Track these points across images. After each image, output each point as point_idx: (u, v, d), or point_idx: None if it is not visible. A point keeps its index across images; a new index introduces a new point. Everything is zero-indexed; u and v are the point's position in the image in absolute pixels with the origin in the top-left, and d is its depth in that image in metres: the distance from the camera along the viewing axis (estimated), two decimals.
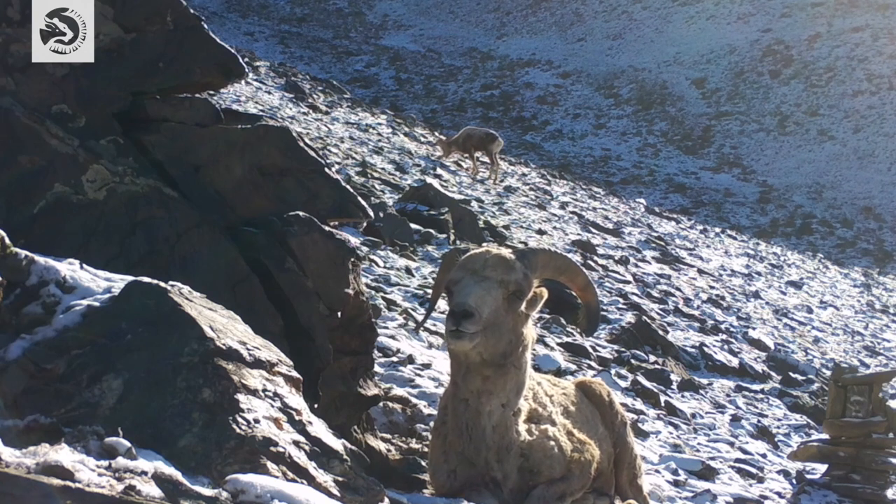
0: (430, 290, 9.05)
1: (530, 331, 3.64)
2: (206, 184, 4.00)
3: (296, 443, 2.71)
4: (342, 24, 60.81)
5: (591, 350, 9.44)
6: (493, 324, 3.35)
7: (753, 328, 14.57)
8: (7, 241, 2.92)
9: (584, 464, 3.77)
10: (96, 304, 2.84)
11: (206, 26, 4.18)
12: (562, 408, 3.97)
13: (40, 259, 2.96)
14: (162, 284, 2.93)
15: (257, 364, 2.86)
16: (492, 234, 13.56)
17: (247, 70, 4.48)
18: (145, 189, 3.77)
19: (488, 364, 3.45)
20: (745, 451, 7.90)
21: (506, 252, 3.58)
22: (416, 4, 63.45)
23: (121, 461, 2.25)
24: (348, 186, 4.49)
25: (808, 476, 7.32)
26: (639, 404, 8.23)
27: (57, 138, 3.65)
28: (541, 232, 15.86)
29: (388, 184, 14.64)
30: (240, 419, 2.61)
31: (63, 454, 2.17)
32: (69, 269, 3.01)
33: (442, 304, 4.33)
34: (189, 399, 2.61)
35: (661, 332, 11.25)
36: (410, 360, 6.23)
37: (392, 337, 6.64)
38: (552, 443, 3.67)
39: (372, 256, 9.52)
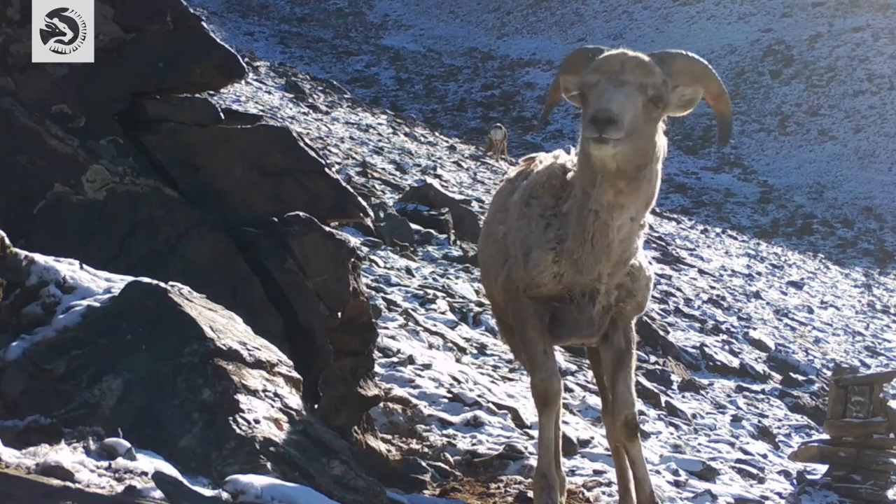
0: (431, 291, 9.07)
1: (663, 140, 3.52)
2: (206, 184, 4.00)
3: (296, 443, 2.71)
4: (342, 24, 60.79)
5: None
6: (632, 132, 3.23)
7: (754, 328, 14.55)
8: (7, 241, 2.91)
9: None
10: (96, 304, 2.84)
11: (206, 26, 4.18)
12: None
13: (40, 259, 2.96)
14: (162, 284, 2.93)
15: (257, 364, 2.86)
16: None
17: (247, 70, 4.48)
18: (145, 189, 3.77)
19: (622, 175, 3.35)
20: (745, 452, 7.88)
21: (643, 55, 3.41)
22: (416, 4, 63.42)
23: (121, 462, 2.25)
24: (348, 186, 4.49)
25: (809, 476, 7.31)
26: (639, 404, 8.20)
27: (57, 138, 3.65)
28: None
29: (388, 184, 14.62)
30: (240, 419, 2.61)
31: (63, 454, 2.17)
32: (69, 269, 3.01)
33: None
34: (189, 399, 2.61)
35: (661, 333, 11.23)
36: (411, 360, 6.22)
37: (392, 337, 6.64)
38: (648, 273, 3.77)
39: (372, 256, 9.50)
